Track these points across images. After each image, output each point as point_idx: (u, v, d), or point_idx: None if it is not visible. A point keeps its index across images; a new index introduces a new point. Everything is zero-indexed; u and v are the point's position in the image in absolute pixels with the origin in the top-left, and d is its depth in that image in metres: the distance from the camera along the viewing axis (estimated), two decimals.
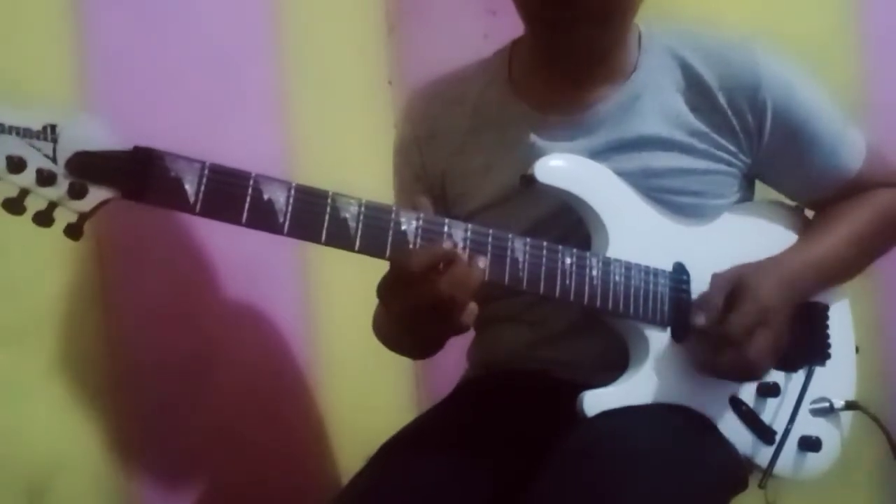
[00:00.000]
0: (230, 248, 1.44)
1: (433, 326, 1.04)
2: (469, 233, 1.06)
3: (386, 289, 1.03)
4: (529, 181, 1.15)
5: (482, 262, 1.03)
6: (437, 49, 1.87)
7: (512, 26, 1.30)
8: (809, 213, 1.37)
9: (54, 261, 1.19)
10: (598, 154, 1.21)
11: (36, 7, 1.22)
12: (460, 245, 1.05)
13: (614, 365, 1.18)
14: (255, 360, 1.52)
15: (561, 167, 1.17)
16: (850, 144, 1.30)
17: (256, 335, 1.53)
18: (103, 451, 1.25)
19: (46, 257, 1.17)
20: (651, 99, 1.23)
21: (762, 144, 1.25)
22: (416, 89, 1.39)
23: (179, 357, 1.37)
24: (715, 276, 1.20)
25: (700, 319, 1.15)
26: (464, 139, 1.29)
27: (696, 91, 1.23)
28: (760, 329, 1.14)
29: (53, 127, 0.90)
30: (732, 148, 1.24)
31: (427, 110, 1.34)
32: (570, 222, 1.20)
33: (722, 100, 1.22)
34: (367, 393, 1.76)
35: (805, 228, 1.32)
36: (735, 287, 1.17)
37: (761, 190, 1.35)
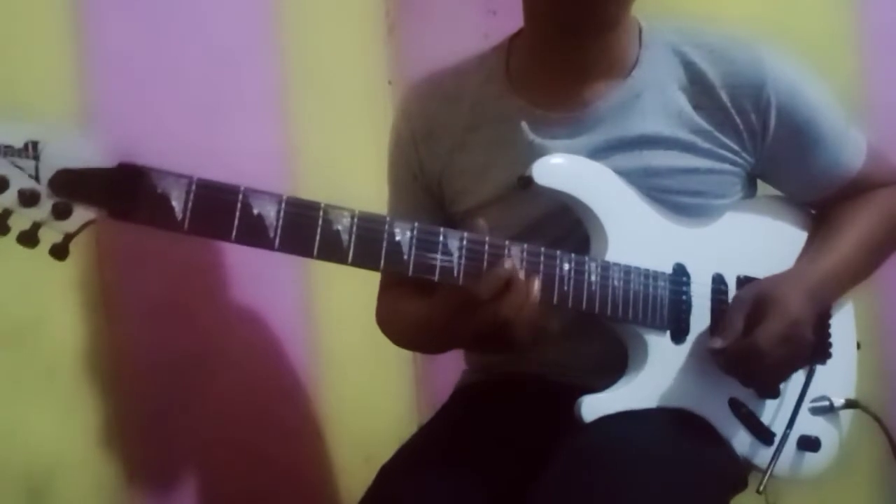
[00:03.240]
0: (230, 248, 1.43)
1: (495, 345, 1.07)
2: (465, 241, 1.04)
3: (451, 315, 1.06)
4: (527, 182, 1.13)
5: (536, 284, 1.05)
6: (437, 49, 1.86)
7: (512, 26, 1.29)
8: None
9: (54, 261, 1.18)
10: (598, 152, 1.20)
11: (37, 8, 1.22)
12: (455, 255, 1.04)
13: (613, 368, 1.18)
14: (255, 361, 1.52)
15: (559, 168, 1.16)
16: (852, 144, 1.29)
17: (256, 336, 1.53)
18: (103, 451, 1.25)
19: (46, 258, 1.17)
20: (653, 96, 1.22)
21: (766, 143, 1.24)
22: (412, 86, 1.37)
23: (179, 358, 1.37)
24: (735, 297, 1.19)
25: (716, 343, 1.14)
26: (462, 136, 1.28)
27: (699, 88, 1.22)
28: (786, 343, 1.14)
29: (35, 144, 0.86)
30: (735, 146, 1.23)
31: (424, 107, 1.32)
32: (570, 221, 1.19)
33: (725, 97, 1.21)
34: (366, 393, 1.76)
35: (812, 233, 1.31)
36: (758, 303, 1.16)
37: (762, 189, 1.34)
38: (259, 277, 1.48)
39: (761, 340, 1.13)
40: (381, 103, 1.87)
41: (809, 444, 1.26)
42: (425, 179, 1.31)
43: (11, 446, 1.15)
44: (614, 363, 1.18)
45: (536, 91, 1.25)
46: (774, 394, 1.23)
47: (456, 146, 1.28)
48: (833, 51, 1.72)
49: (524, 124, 1.23)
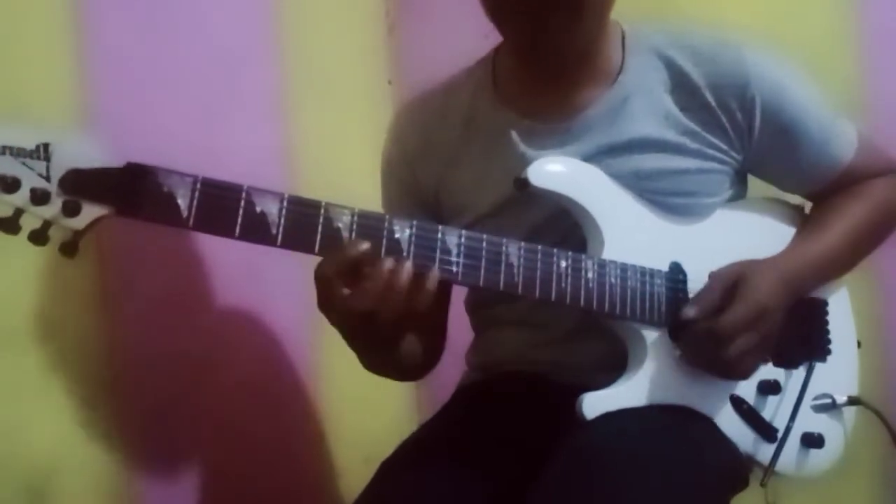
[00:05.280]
0: (230, 247, 1.43)
1: (371, 336, 1.05)
2: (463, 239, 1.05)
3: (318, 301, 1.03)
4: (523, 184, 1.14)
5: (404, 273, 1.00)
6: (437, 49, 1.86)
7: None
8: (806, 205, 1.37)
9: (55, 261, 1.19)
10: (588, 159, 1.20)
11: (37, 8, 1.22)
12: (454, 252, 1.04)
13: (613, 367, 1.17)
14: (255, 360, 1.52)
15: (554, 170, 1.17)
16: (841, 136, 1.29)
17: (257, 336, 1.53)
18: (103, 451, 1.26)
19: (47, 257, 1.17)
20: (639, 100, 1.22)
21: (752, 141, 1.24)
22: (402, 106, 1.37)
23: (179, 357, 1.37)
24: (713, 273, 1.19)
25: (690, 312, 1.13)
26: (455, 152, 1.28)
27: (684, 90, 1.22)
28: (750, 331, 1.13)
29: (47, 146, 0.90)
30: (723, 146, 1.23)
31: (416, 126, 1.33)
32: (567, 226, 1.19)
33: (710, 98, 1.21)
34: (366, 393, 1.76)
35: (802, 223, 1.32)
36: (734, 284, 1.16)
37: (756, 185, 1.34)
38: (259, 277, 1.48)
39: (725, 324, 1.12)
40: (381, 103, 1.88)
41: (813, 441, 1.26)
42: (421, 196, 1.31)
43: (11, 446, 1.15)
44: (615, 363, 1.18)
45: (524, 102, 1.25)
46: (743, 378, 1.21)
47: (450, 162, 1.29)
48: (833, 51, 1.72)
49: (514, 136, 1.24)
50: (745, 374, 1.19)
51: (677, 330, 1.15)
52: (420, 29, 1.96)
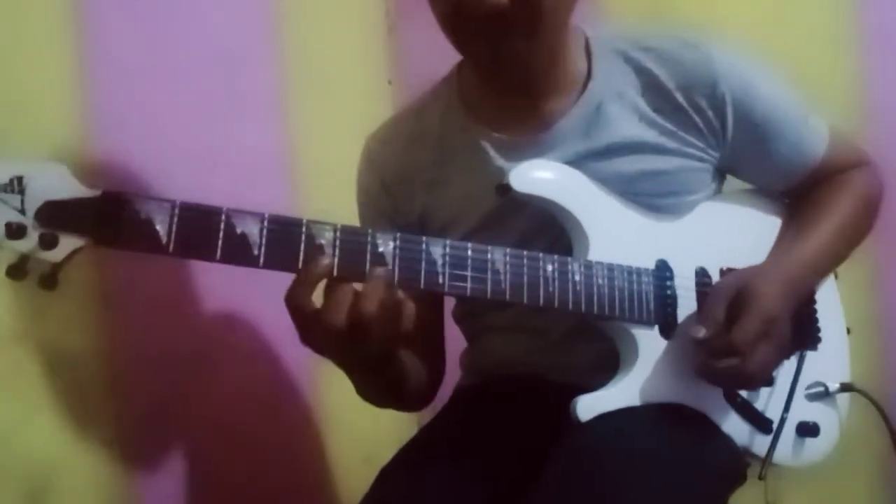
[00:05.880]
0: None
1: (361, 355, 1.03)
2: (448, 248, 1.04)
3: (298, 332, 1.02)
4: (505, 190, 1.13)
5: (376, 283, 0.99)
6: (437, 49, 1.86)
7: None
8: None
9: None
10: (569, 166, 1.19)
11: (37, 9, 1.22)
12: (439, 262, 1.04)
13: (612, 367, 1.17)
14: (255, 360, 1.52)
15: (536, 174, 1.16)
16: (813, 131, 1.29)
17: (256, 335, 1.53)
18: (102, 452, 1.26)
19: None
20: (613, 105, 1.21)
21: (727, 139, 1.24)
22: (373, 134, 1.35)
23: (179, 357, 1.37)
24: (715, 287, 1.19)
25: (700, 333, 1.13)
26: (434, 174, 1.27)
27: (655, 92, 1.21)
28: (765, 341, 1.13)
29: (21, 178, 0.88)
30: (700, 144, 1.23)
31: (390, 155, 1.32)
32: (555, 232, 1.18)
33: (681, 99, 1.21)
34: None
35: (787, 220, 1.32)
36: (739, 295, 1.15)
37: (734, 182, 1.34)
38: (259, 277, 1.48)
39: (738, 339, 1.12)
40: (381, 103, 1.87)
41: (808, 430, 1.26)
42: (403, 223, 1.29)
43: (10, 446, 1.15)
44: (613, 362, 1.18)
45: (494, 117, 1.24)
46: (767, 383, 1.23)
47: (431, 183, 1.28)
48: (833, 52, 1.72)
49: (490, 151, 1.23)
50: (768, 384, 1.21)
51: (675, 333, 1.15)
52: (420, 29, 1.94)
